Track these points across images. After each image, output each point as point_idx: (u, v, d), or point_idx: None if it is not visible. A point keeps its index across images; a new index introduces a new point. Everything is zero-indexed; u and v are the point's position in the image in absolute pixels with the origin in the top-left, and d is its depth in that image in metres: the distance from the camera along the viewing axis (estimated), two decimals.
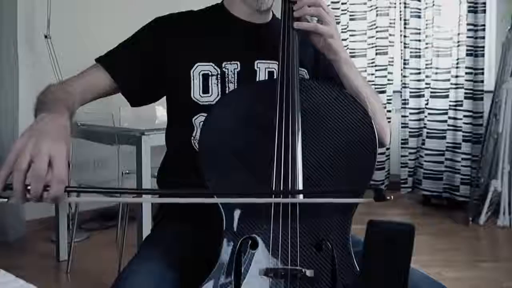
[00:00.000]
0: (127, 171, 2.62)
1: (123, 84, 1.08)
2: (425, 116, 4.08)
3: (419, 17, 4.07)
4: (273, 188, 0.85)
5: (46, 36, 3.01)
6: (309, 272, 0.81)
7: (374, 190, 0.79)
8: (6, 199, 0.76)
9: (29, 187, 0.73)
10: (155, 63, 1.08)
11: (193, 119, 1.06)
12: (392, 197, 0.80)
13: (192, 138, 1.06)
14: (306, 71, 1.13)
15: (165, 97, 1.15)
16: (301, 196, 0.86)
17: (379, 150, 0.93)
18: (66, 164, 0.75)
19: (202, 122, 1.00)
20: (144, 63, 1.08)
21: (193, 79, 1.06)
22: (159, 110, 2.56)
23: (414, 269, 0.88)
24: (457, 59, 3.83)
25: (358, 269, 0.82)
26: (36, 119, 0.84)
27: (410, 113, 4.16)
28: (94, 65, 1.09)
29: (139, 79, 1.09)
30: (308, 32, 1.02)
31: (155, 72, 1.09)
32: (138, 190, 0.82)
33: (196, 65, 1.06)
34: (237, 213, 0.86)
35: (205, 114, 1.00)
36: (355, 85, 1.03)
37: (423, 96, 4.13)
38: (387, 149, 4.32)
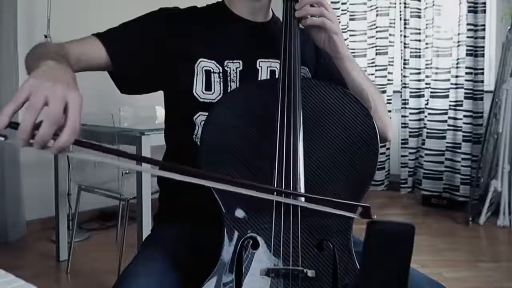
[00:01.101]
0: (127, 171, 2.62)
1: (118, 64, 1.04)
2: (425, 116, 4.08)
3: (419, 17, 4.08)
4: (275, 186, 0.85)
5: (46, 36, 3.01)
6: (310, 272, 0.81)
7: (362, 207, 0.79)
8: (3, 138, 0.67)
9: (35, 131, 0.66)
10: (156, 52, 1.06)
11: (194, 117, 1.06)
12: (375, 216, 0.80)
13: (194, 136, 1.06)
14: (307, 69, 1.13)
15: (163, 97, 1.15)
16: (302, 198, 0.86)
17: (380, 150, 0.93)
18: (80, 114, 0.69)
19: (203, 121, 1.00)
20: (143, 49, 1.06)
21: (197, 74, 1.05)
22: (159, 110, 2.56)
23: (413, 269, 0.88)
24: (457, 59, 3.83)
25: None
26: (44, 65, 0.76)
27: (410, 113, 4.17)
28: (92, 37, 1.05)
29: (136, 65, 1.06)
30: (311, 30, 1.02)
31: (154, 61, 1.06)
32: (138, 156, 0.75)
33: (199, 60, 1.06)
34: (238, 213, 0.86)
35: (205, 113, 1.00)
36: (358, 82, 1.03)
37: (423, 96, 4.14)
38: (387, 149, 4.33)
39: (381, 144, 0.94)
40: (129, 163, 0.78)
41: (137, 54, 1.06)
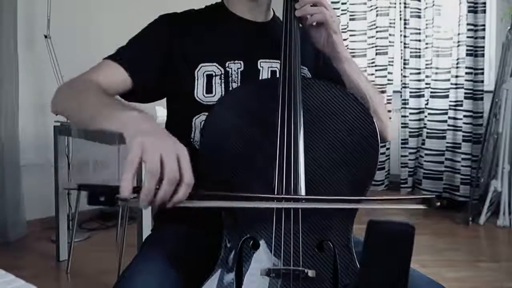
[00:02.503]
0: None
1: (138, 82, 1.03)
2: (425, 116, 4.08)
3: (419, 17, 4.08)
4: (275, 187, 0.85)
5: (46, 36, 3.01)
6: (311, 273, 0.81)
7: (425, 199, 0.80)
8: (125, 201, 0.67)
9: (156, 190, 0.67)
10: (164, 63, 1.06)
11: (194, 118, 1.05)
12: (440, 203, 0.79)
13: (191, 139, 1.06)
14: (307, 69, 1.13)
15: (166, 99, 1.15)
16: (303, 201, 0.86)
17: (380, 150, 0.93)
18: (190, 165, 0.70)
19: (202, 122, 1.00)
20: (156, 61, 1.06)
21: (197, 79, 1.05)
22: (159, 110, 2.56)
23: (413, 269, 0.88)
24: (457, 59, 3.83)
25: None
26: (130, 119, 0.75)
27: (410, 113, 4.17)
28: (108, 62, 1.03)
29: (153, 78, 1.05)
30: (311, 30, 1.02)
31: (163, 72, 1.07)
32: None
33: (200, 65, 1.06)
34: (238, 213, 0.86)
35: (207, 114, 1.00)
36: (356, 83, 1.03)
37: (423, 96, 4.14)
38: (387, 149, 4.33)
39: (381, 144, 0.94)
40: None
41: (152, 68, 1.06)
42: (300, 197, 0.85)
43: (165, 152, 0.68)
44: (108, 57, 1.05)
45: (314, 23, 1.02)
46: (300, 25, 1.03)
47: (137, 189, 0.68)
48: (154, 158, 0.67)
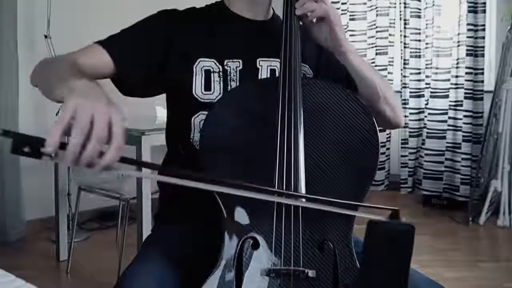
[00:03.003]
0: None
1: (122, 69, 1.03)
2: (425, 116, 4.08)
3: (419, 17, 4.07)
4: (275, 186, 0.85)
5: (46, 36, 3.01)
6: (311, 273, 0.81)
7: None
8: (49, 157, 0.67)
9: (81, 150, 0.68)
10: (157, 56, 1.06)
11: (193, 118, 1.05)
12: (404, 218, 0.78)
13: (191, 139, 1.05)
14: (308, 67, 1.13)
15: (165, 97, 1.15)
16: (303, 198, 0.86)
17: (380, 150, 0.93)
18: (124, 131, 0.70)
19: (202, 121, 1.00)
20: (145, 53, 1.05)
21: (196, 74, 1.05)
22: (159, 110, 2.56)
23: (412, 270, 0.88)
24: (457, 59, 3.83)
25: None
26: (78, 84, 0.77)
27: (410, 113, 4.16)
28: (95, 46, 1.04)
29: (140, 70, 1.05)
30: (312, 27, 1.02)
31: (156, 65, 1.06)
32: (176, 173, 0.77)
33: (198, 60, 1.05)
34: (238, 213, 0.86)
35: (205, 113, 0.99)
36: (364, 74, 1.02)
37: (423, 96, 4.14)
38: (387, 149, 4.33)
39: (381, 144, 0.94)
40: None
41: (140, 59, 1.05)
42: (300, 194, 0.85)
43: (97, 113, 0.69)
44: (98, 41, 1.05)
45: (315, 19, 1.01)
46: (301, 23, 1.03)
47: (64, 146, 0.68)
48: (84, 116, 0.68)
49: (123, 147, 0.70)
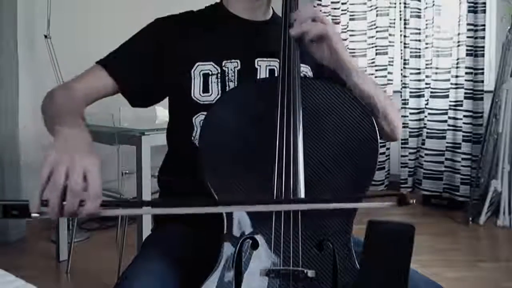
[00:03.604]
0: (127, 171, 2.61)
1: (124, 86, 1.08)
2: (425, 116, 4.08)
3: (419, 17, 4.07)
4: (274, 187, 0.85)
5: (46, 36, 3.01)
6: (310, 273, 0.81)
7: (398, 195, 0.78)
8: (38, 215, 0.74)
9: (64, 203, 0.73)
10: (156, 65, 1.08)
11: (194, 118, 1.06)
12: (414, 201, 0.78)
13: (192, 138, 1.06)
14: (309, 67, 1.13)
15: (167, 98, 1.15)
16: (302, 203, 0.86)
17: (379, 150, 0.93)
18: (100, 179, 0.75)
19: (201, 121, 1.00)
20: (144, 65, 1.08)
21: (194, 79, 1.06)
22: (159, 110, 2.56)
23: (412, 270, 0.88)
24: (457, 59, 3.83)
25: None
26: (60, 135, 0.83)
27: (410, 113, 4.16)
28: (95, 67, 1.09)
29: (141, 81, 1.09)
30: (311, 47, 0.98)
31: (155, 74, 1.09)
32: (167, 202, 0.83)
33: (196, 64, 1.06)
34: (238, 214, 0.86)
35: (205, 113, 1.00)
36: (366, 94, 0.98)
37: (423, 96, 4.14)
38: (387, 149, 4.33)
39: (381, 144, 0.94)
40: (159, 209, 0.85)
41: (142, 74, 1.09)
42: (297, 199, 0.85)
43: (71, 166, 0.73)
44: (98, 61, 1.09)
45: (315, 39, 0.97)
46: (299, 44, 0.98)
47: (47, 203, 0.72)
48: (57, 173, 0.73)
49: (100, 195, 0.74)
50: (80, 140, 0.82)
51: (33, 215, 0.73)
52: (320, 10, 4.43)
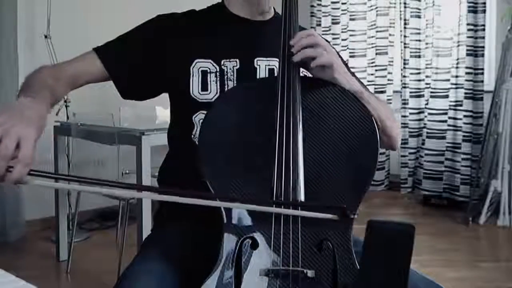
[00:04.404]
0: (127, 171, 2.62)
1: (113, 73, 1.09)
2: (425, 116, 4.08)
3: (419, 17, 4.07)
4: (274, 187, 0.85)
5: (46, 36, 3.01)
6: (310, 273, 0.81)
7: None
8: None
9: None
10: (153, 60, 1.08)
11: (193, 116, 1.06)
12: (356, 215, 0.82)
13: (192, 136, 1.06)
14: None
15: (167, 97, 1.15)
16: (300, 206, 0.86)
17: (380, 150, 0.93)
18: (33, 149, 0.76)
19: (201, 120, 1.00)
20: (136, 56, 1.09)
21: (193, 76, 1.06)
22: (159, 110, 2.56)
23: (411, 270, 0.88)
24: (457, 59, 3.83)
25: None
26: (17, 101, 0.87)
27: (410, 113, 4.16)
28: (90, 52, 1.10)
29: (131, 71, 1.09)
30: (313, 70, 0.97)
31: (152, 69, 1.09)
32: (117, 184, 0.80)
33: (195, 61, 1.06)
34: (237, 213, 0.86)
35: (204, 112, 1.00)
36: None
37: (423, 96, 4.13)
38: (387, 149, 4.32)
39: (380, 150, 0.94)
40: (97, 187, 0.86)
41: (136, 65, 1.09)
42: (295, 203, 0.85)
43: (7, 130, 0.75)
44: (95, 48, 1.10)
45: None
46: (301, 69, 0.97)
47: None
48: None
49: (29, 163, 0.75)
50: (31, 112, 0.83)
51: None
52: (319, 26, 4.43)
